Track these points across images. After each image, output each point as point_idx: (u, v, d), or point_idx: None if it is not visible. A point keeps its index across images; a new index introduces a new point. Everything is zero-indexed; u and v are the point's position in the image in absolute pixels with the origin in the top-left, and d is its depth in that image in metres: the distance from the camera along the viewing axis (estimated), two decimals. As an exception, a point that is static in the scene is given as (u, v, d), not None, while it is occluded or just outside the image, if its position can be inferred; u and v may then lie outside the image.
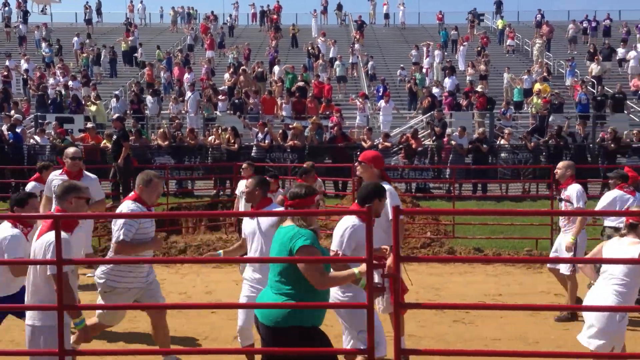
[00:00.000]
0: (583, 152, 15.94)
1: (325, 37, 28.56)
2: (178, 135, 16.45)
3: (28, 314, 4.73)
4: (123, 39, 29.04)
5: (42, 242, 4.65)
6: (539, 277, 9.15)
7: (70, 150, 7.59)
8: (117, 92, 21.62)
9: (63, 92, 21.42)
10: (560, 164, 7.59)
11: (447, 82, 22.24)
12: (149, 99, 20.67)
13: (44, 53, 28.31)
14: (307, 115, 19.10)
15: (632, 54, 25.24)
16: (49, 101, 20.50)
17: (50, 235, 4.51)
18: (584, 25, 31.72)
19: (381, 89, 21.30)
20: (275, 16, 34.34)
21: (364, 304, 4.64)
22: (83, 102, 20.15)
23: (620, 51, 26.62)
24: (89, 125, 17.18)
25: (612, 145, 15.43)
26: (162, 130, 16.79)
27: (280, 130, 17.00)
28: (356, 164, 6.12)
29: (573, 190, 7.27)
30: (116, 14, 41.65)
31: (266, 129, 16.41)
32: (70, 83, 22.53)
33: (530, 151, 15.86)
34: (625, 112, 20.19)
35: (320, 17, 35.87)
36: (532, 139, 16.31)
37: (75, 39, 29.35)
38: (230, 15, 37.01)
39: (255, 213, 5.93)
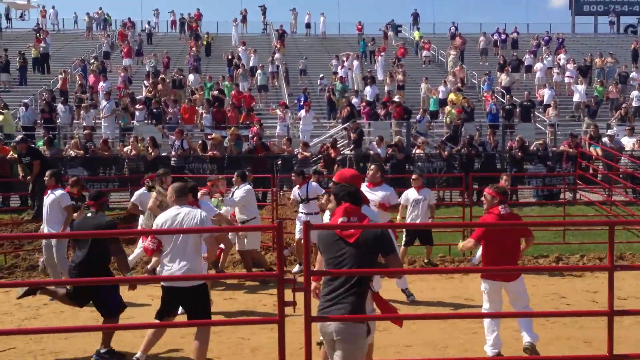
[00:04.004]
0: (493, 160, 16.68)
1: (246, 46, 28.51)
2: (90, 147, 15.92)
3: None
4: (33, 45, 27.85)
5: None
6: (449, 283, 9.51)
7: None
8: (26, 101, 20.70)
9: (-32, 100, 20.31)
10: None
11: (368, 91, 22.71)
12: (60, 107, 19.92)
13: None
14: (228, 125, 18.99)
15: (539, 65, 26.70)
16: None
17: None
18: (495, 37, 33.26)
19: (302, 99, 21.48)
20: (195, 24, 33.95)
21: (275, 318, 4.69)
22: (-12, 112, 19.16)
23: (529, 59, 28.15)
24: (-4, 135, 16.37)
25: (519, 153, 16.23)
26: (74, 140, 16.23)
27: (200, 141, 16.82)
28: (331, 184, 5.49)
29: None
30: (26, 20, 39.65)
31: (183, 136, 16.24)
32: (-25, 91, 21.43)
33: (444, 160, 16.43)
34: (532, 121, 21.28)
35: (240, 25, 35.78)
36: (446, 147, 16.90)
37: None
38: (149, 22, 36.26)
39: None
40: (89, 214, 6.78)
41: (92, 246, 6.40)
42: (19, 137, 14.45)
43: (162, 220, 5.98)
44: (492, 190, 6.52)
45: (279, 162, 16.05)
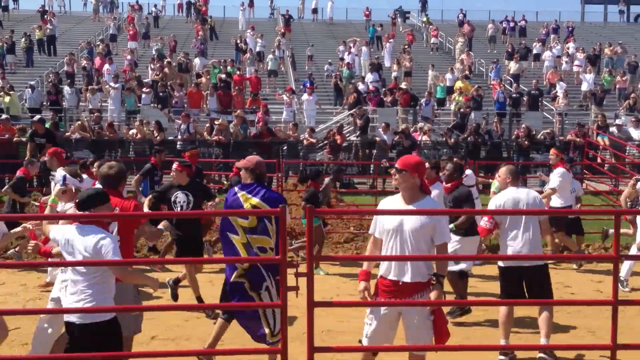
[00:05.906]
0: (499, 148, 16.61)
1: (253, 31, 28.36)
2: (95, 129, 15.94)
3: None
4: (39, 26, 27.77)
5: None
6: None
7: None
8: (32, 83, 20.69)
9: (-25, 82, 20.32)
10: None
11: (369, 78, 22.54)
12: (66, 89, 19.89)
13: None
14: (234, 109, 18.95)
15: (548, 54, 26.49)
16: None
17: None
18: (503, 25, 32.99)
19: (308, 84, 21.39)
20: (203, 8, 33.76)
21: (278, 303, 4.69)
22: (-6, 93, 19.17)
23: (537, 47, 27.92)
24: (3, 116, 16.39)
25: (526, 142, 16.15)
26: (79, 122, 16.24)
27: (207, 125, 16.80)
28: (393, 171, 4.81)
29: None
30: (33, 1, 39.60)
31: (191, 120, 16.22)
32: (-19, 73, 21.42)
33: (450, 147, 16.36)
34: (540, 110, 21.14)
35: (247, 10, 35.59)
36: (452, 135, 16.82)
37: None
38: (156, 6, 36.13)
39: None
40: None
41: None
42: (37, 117, 14.53)
43: (502, 200, 6.16)
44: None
45: (285, 147, 16.03)
